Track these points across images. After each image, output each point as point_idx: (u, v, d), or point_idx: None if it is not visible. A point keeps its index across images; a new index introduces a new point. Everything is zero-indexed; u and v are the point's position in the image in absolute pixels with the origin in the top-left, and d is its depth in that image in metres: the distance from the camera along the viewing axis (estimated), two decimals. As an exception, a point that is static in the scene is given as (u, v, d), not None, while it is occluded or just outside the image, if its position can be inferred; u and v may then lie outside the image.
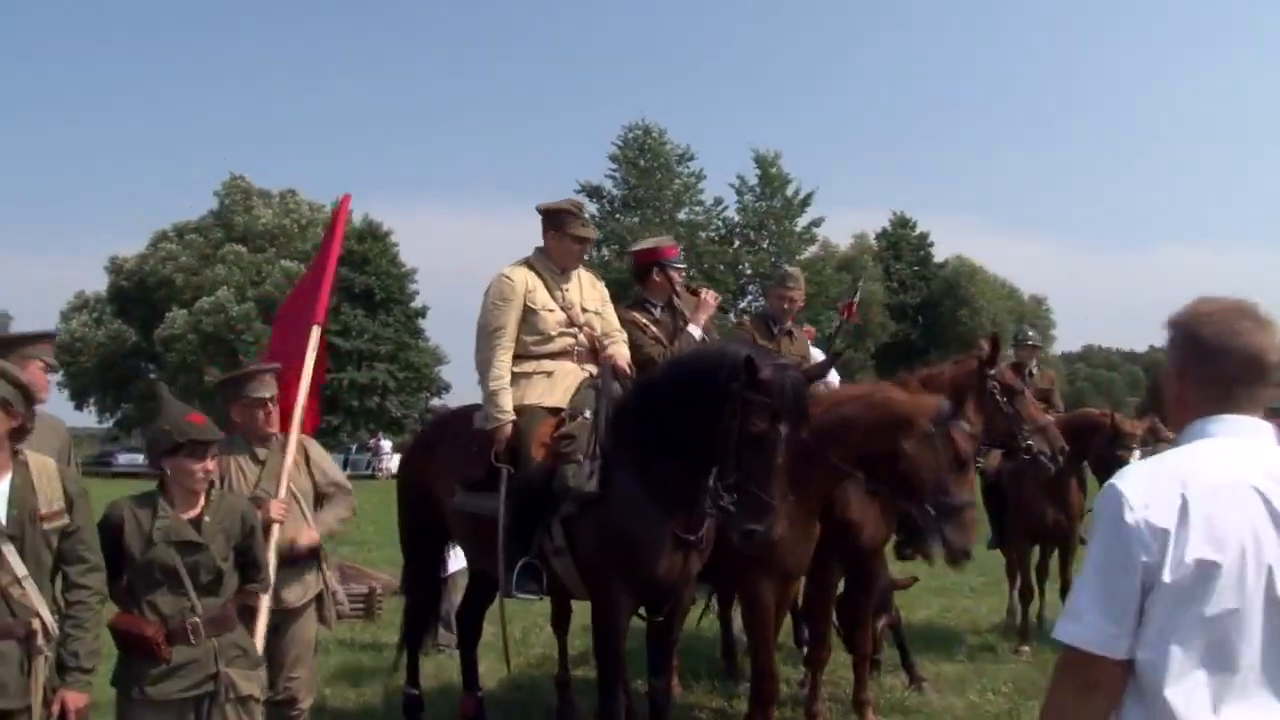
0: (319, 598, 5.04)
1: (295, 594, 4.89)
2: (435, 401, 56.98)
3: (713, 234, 53.20)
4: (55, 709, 3.64)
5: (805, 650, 7.72)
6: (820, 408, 5.31)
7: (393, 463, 42.37)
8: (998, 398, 6.28)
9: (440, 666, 7.86)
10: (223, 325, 47.87)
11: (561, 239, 5.70)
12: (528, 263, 5.75)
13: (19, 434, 3.66)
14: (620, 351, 5.69)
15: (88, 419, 57.00)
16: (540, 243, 5.83)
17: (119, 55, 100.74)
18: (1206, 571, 1.95)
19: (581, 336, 5.66)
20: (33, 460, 3.72)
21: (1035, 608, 8.98)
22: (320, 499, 5.07)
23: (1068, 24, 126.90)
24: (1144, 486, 2.03)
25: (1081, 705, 2.05)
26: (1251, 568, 1.96)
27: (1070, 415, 8.92)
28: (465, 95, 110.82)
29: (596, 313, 5.77)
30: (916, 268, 58.44)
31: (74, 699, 3.67)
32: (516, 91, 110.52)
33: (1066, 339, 71.49)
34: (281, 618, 4.83)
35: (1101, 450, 8.08)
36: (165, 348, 48.82)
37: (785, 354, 5.89)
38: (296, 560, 4.88)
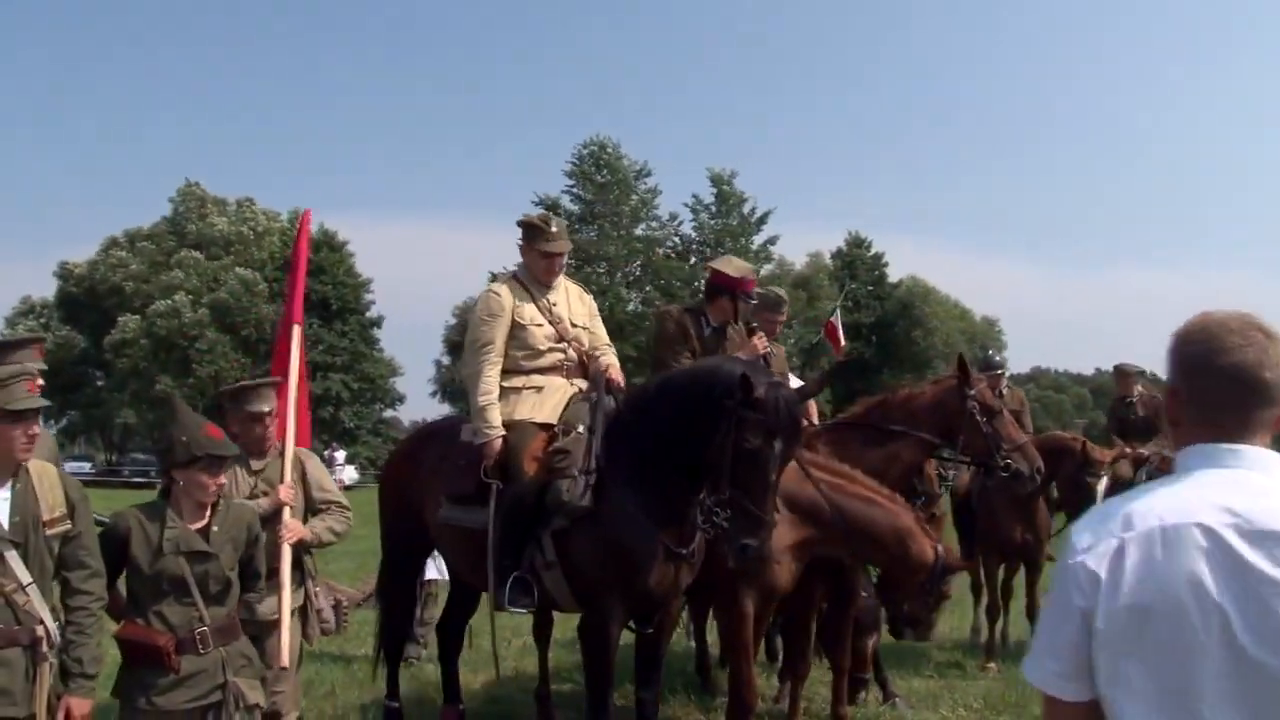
0: (303, 611, 5.01)
1: (271, 606, 4.85)
2: (389, 413, 56.78)
3: (669, 249, 53.40)
4: (60, 716, 3.63)
5: (778, 664, 7.81)
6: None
7: (346, 474, 42.06)
8: (977, 417, 6.38)
9: (412, 678, 7.84)
10: (175, 331, 47.36)
11: (530, 253, 5.73)
12: (514, 278, 5.79)
13: (32, 442, 3.65)
14: (612, 363, 5.72)
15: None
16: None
17: (72, 59, 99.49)
18: (1141, 618, 1.84)
19: (571, 351, 5.69)
20: (33, 466, 3.71)
21: (1000, 625, 9.10)
22: (315, 514, 5.05)
23: (1015, 50, 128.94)
24: (1090, 530, 1.95)
25: None
26: (1196, 613, 1.81)
27: (1042, 438, 9.06)
28: (423, 107, 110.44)
29: (585, 327, 5.81)
30: (871, 287, 58.97)
31: (79, 705, 3.67)
32: (474, 104, 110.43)
33: (1016, 361, 72.38)
34: (258, 629, 4.79)
35: (1070, 474, 8.21)
36: (116, 354, 48.17)
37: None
38: (272, 574, 4.84)
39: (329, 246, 52.46)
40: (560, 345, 5.66)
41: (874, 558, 5.97)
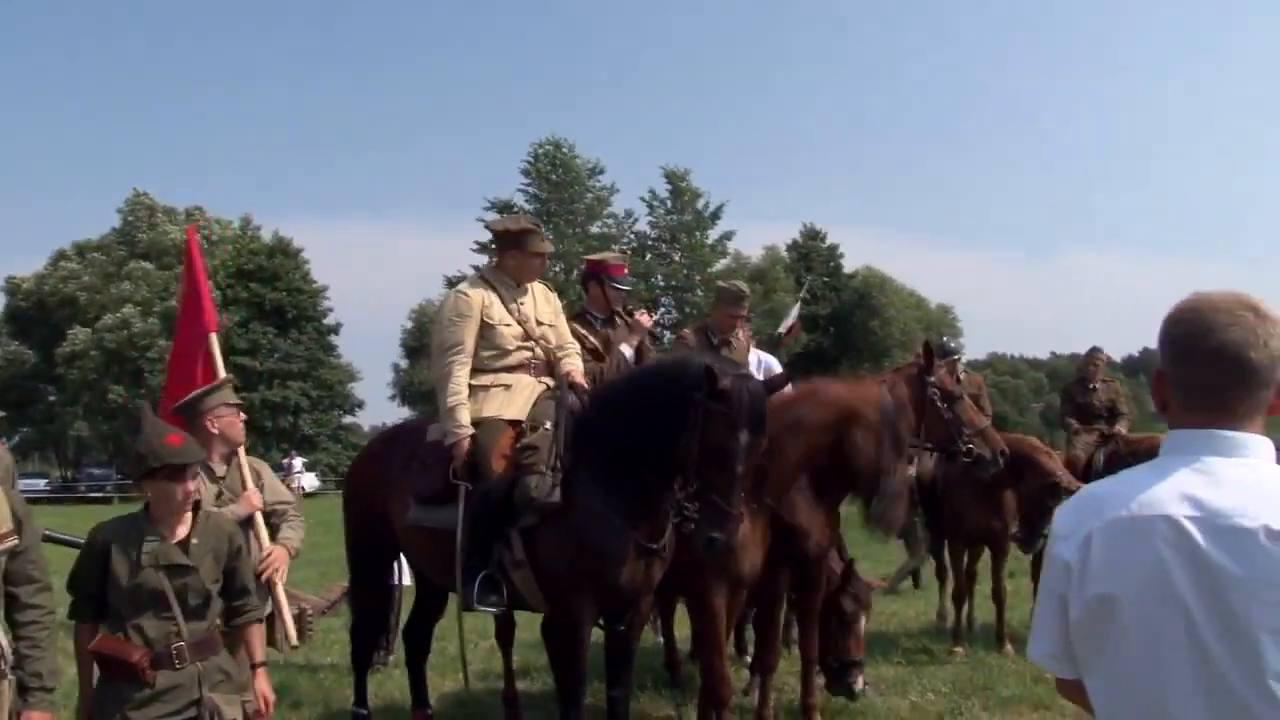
0: (270, 619, 4.95)
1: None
2: (348, 419, 56.40)
3: (625, 246, 53.52)
4: None
5: (747, 657, 7.81)
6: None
7: (305, 481, 41.73)
8: (938, 404, 6.41)
9: (379, 684, 7.77)
10: (126, 342, 46.85)
11: (525, 257, 5.71)
12: (482, 278, 5.77)
13: None
14: (575, 364, 5.72)
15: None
16: (488, 259, 5.92)
17: (15, 68, 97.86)
18: (1106, 609, 1.82)
19: (538, 350, 5.66)
20: None
21: (965, 610, 9.14)
22: (268, 518, 5.00)
23: (969, 36, 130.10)
24: (1069, 518, 1.95)
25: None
26: (1157, 606, 1.78)
27: (1012, 441, 8.85)
28: (374, 111, 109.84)
29: (551, 325, 5.79)
30: (827, 279, 59.26)
31: (40, 719, 3.62)
32: (425, 107, 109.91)
33: (973, 348, 73.01)
34: (229, 639, 4.74)
35: (1034, 493, 8.04)
36: (67, 366, 47.55)
37: None
38: None
39: (283, 253, 52.09)
40: (528, 344, 5.64)
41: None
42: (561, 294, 6.17)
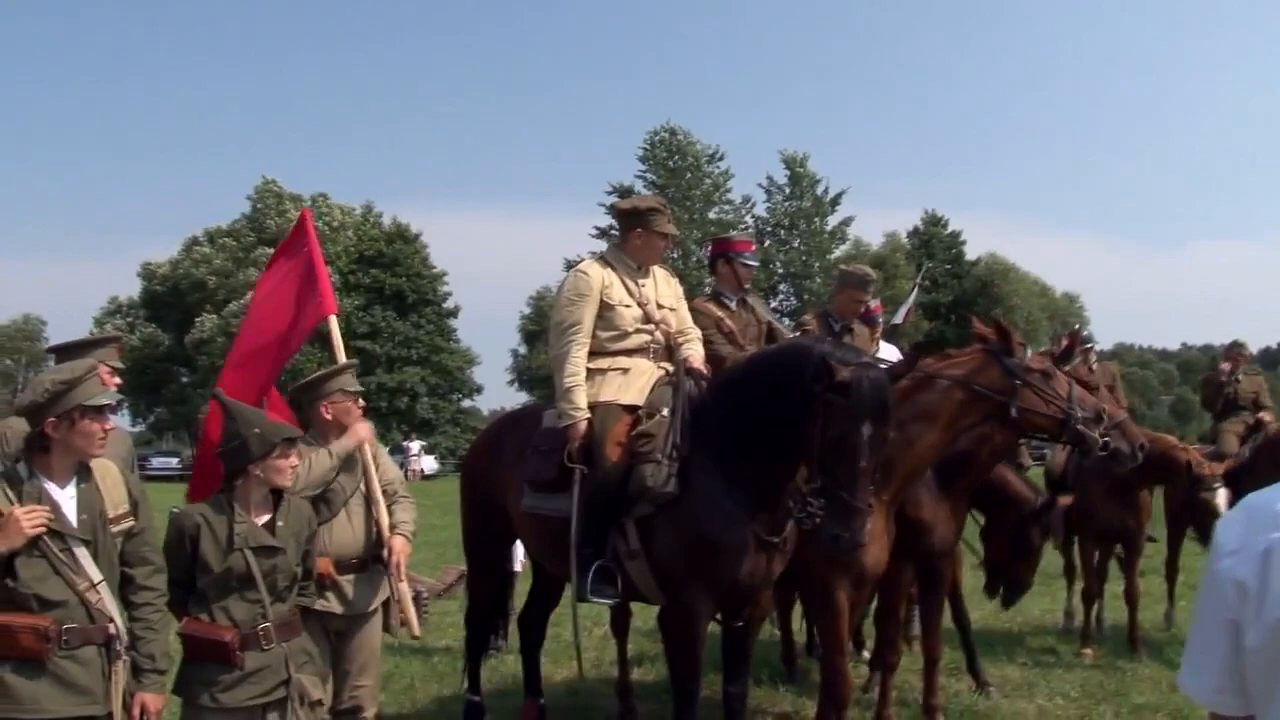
0: (385, 604, 4.95)
1: (365, 599, 4.81)
2: (467, 403, 57.25)
3: (743, 232, 53.23)
4: (136, 712, 3.61)
5: (865, 653, 7.61)
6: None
7: (423, 464, 42.51)
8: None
9: (492, 670, 7.77)
10: (252, 327, 48.22)
11: (650, 236, 5.57)
12: (603, 259, 5.65)
13: (107, 436, 3.63)
14: (696, 350, 5.57)
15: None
16: (607, 245, 5.75)
17: (149, 61, 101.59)
18: None
19: (658, 334, 5.53)
20: (95, 464, 3.67)
21: (1095, 610, 8.77)
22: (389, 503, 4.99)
23: (1092, 19, 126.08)
24: (1236, 529, 1.72)
25: None
26: None
27: (1156, 445, 8.40)
28: (493, 98, 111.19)
29: (672, 309, 5.66)
30: (949, 266, 58.05)
31: (153, 700, 3.67)
32: (544, 94, 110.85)
33: (1100, 337, 70.59)
34: (349, 623, 4.75)
35: (1182, 493, 7.66)
36: (196, 351, 49.16)
37: None
38: (365, 565, 4.81)
39: (402, 239, 53.03)
40: (647, 327, 5.51)
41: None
42: (681, 280, 6.02)
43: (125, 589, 3.68)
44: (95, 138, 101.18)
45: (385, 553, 4.81)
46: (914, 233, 60.10)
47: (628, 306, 5.49)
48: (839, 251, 53.65)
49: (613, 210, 5.92)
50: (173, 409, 55.25)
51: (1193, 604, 1.82)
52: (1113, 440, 6.04)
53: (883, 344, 7.58)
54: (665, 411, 5.08)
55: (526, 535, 5.75)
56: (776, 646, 7.88)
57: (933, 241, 59.02)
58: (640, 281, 5.59)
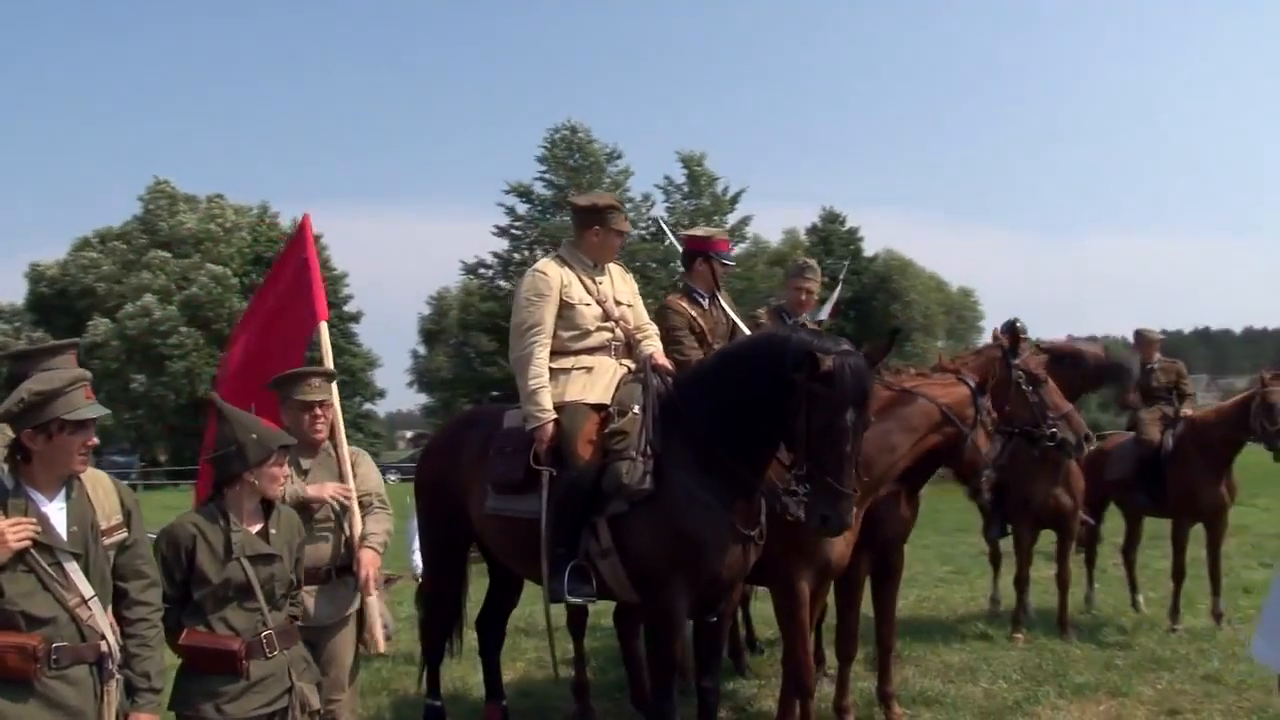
0: (358, 615, 4.85)
1: (328, 612, 4.70)
2: (367, 407, 56.45)
3: (643, 231, 53.40)
4: None
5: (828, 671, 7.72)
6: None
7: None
8: (1023, 387, 6.31)
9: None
10: (146, 331, 46.97)
11: (607, 233, 5.58)
12: (559, 257, 5.62)
13: (89, 452, 3.47)
14: (656, 346, 5.59)
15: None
16: (573, 237, 5.76)
17: (36, 57, 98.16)
18: None
19: (618, 331, 5.54)
20: (86, 474, 3.51)
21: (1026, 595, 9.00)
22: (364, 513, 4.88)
23: (990, 17, 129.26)
24: None
25: None
26: None
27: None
28: (390, 100, 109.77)
29: (629, 305, 5.67)
30: (847, 262, 58.98)
31: None
32: (441, 96, 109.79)
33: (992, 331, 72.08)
34: (316, 635, 4.64)
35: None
36: (89, 356, 47.66)
37: None
38: (330, 577, 4.72)
39: (302, 240, 52.03)
40: (607, 324, 5.51)
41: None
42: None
43: (118, 604, 3.53)
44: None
45: (355, 565, 4.73)
46: (812, 229, 60.91)
47: (587, 305, 5.48)
48: (738, 250, 54.13)
49: (570, 207, 5.90)
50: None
51: (1272, 579, 1.89)
52: (1059, 430, 6.26)
53: None
54: (636, 409, 5.08)
55: (491, 537, 5.69)
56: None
57: (831, 238, 59.82)
58: (598, 279, 5.59)
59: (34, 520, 3.29)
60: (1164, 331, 10.48)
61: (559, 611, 6.24)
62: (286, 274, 5.78)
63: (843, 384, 4.53)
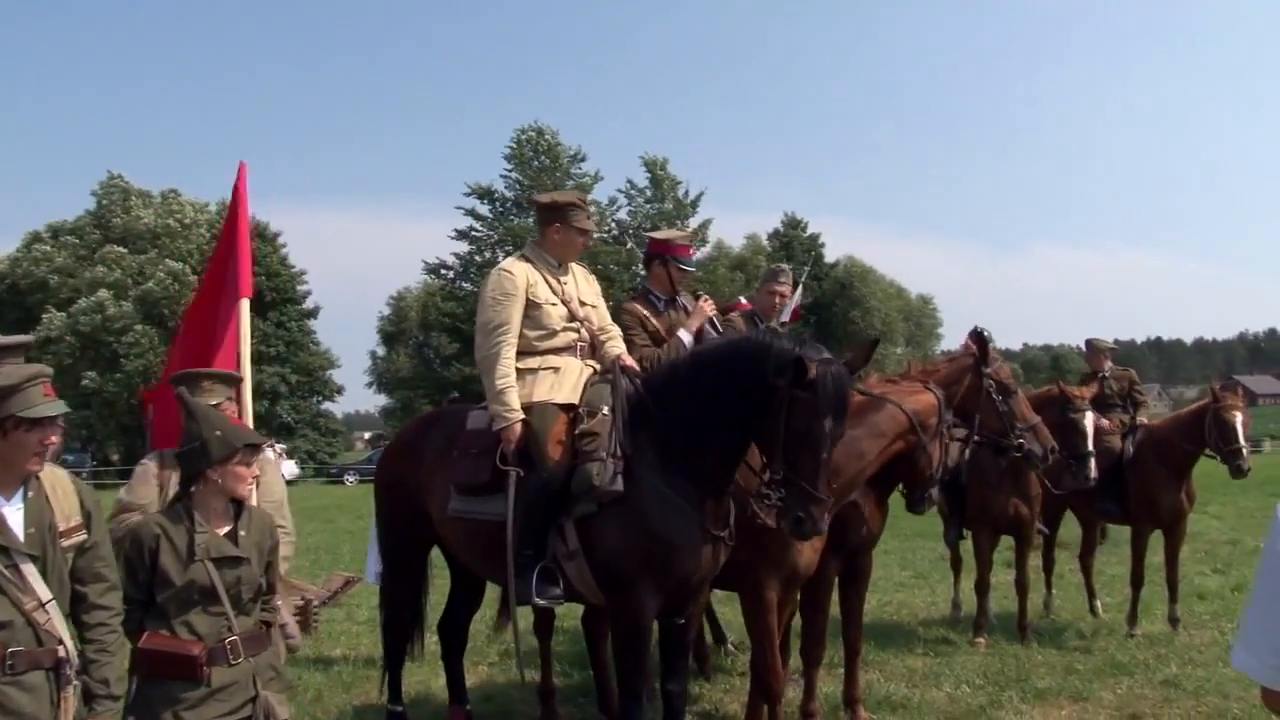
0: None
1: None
2: (325, 405, 56.00)
3: (606, 234, 53.42)
4: None
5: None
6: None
7: (285, 468, 41.36)
8: (993, 396, 6.33)
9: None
10: (100, 327, 46.33)
11: (568, 231, 5.53)
12: (524, 256, 5.57)
13: (46, 451, 3.36)
14: (621, 347, 5.56)
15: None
16: (536, 235, 5.71)
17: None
18: None
19: (583, 331, 5.50)
20: (45, 473, 3.40)
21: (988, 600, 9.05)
22: None
23: (944, 30, 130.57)
24: None
25: None
26: None
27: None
28: (355, 98, 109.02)
29: (593, 306, 5.63)
30: (809, 268, 59.29)
31: None
32: (407, 93, 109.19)
33: (952, 338, 73.01)
34: None
35: (1056, 419, 8.19)
36: (42, 351, 46.95)
37: None
38: None
39: (261, 237, 51.64)
40: (573, 325, 5.47)
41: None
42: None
43: (77, 608, 3.41)
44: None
45: None
46: (774, 235, 61.25)
47: (553, 304, 5.43)
48: (700, 254, 54.32)
49: (533, 204, 5.86)
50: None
51: (1251, 589, 1.89)
52: (1026, 442, 6.30)
53: None
54: (605, 409, 5.04)
55: (454, 540, 5.61)
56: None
57: (793, 244, 60.20)
58: (562, 279, 5.55)
59: None
60: (1117, 341, 10.60)
61: (524, 613, 6.20)
62: (224, 240, 5.71)
63: (825, 391, 4.54)
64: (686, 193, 54.34)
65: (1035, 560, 9.39)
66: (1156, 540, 9.10)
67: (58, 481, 3.44)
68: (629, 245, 53.41)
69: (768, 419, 4.63)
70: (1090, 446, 8.20)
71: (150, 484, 4.75)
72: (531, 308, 5.37)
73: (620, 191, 54.47)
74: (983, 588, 8.84)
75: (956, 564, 10.04)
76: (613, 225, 54.25)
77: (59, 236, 50.63)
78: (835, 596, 6.33)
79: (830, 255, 62.00)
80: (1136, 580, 8.95)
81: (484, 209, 52.37)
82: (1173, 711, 6.49)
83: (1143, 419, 9.32)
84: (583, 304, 5.57)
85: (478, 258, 52.09)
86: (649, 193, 54.34)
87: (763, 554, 5.32)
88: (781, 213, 62.94)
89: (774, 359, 4.64)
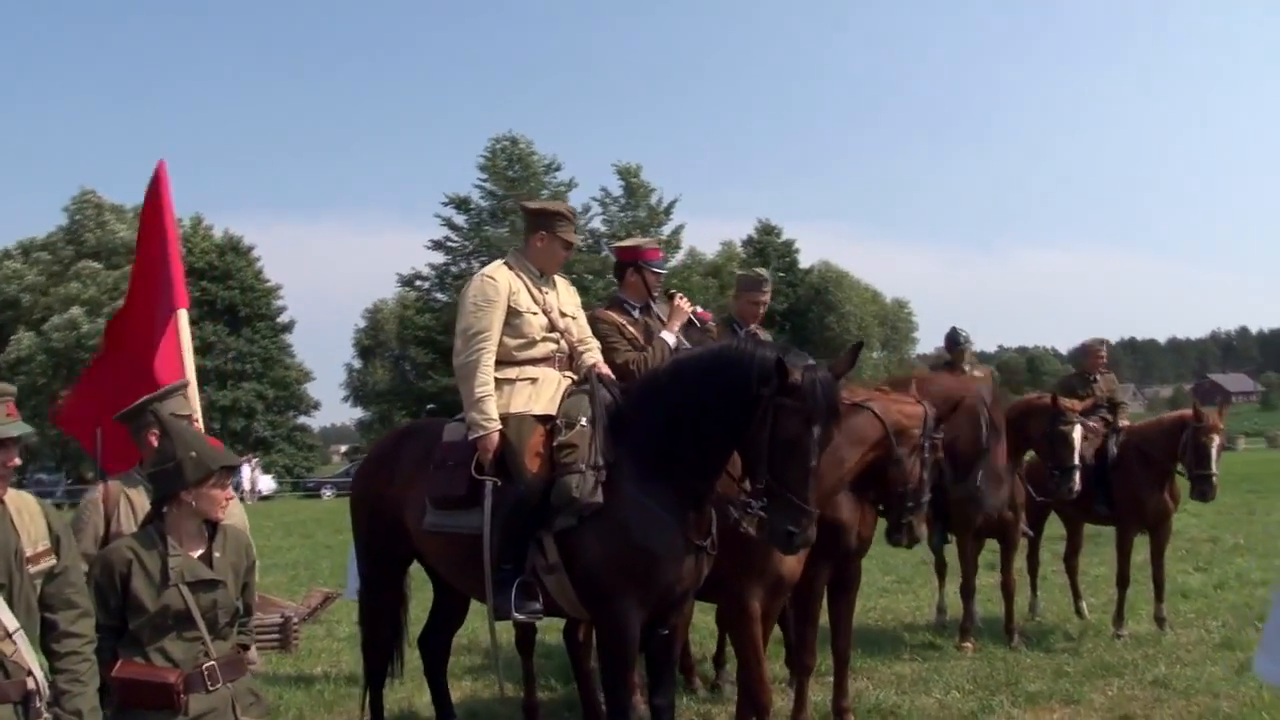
0: None
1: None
2: (301, 419, 55.69)
3: (580, 243, 53.38)
4: None
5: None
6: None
7: (262, 484, 41.14)
8: (981, 432, 6.37)
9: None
10: (74, 344, 45.87)
11: (552, 241, 5.45)
12: (507, 264, 5.47)
13: (9, 473, 3.24)
14: (598, 358, 5.48)
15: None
16: (521, 244, 5.64)
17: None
18: None
19: (563, 343, 5.41)
20: (9, 497, 3.28)
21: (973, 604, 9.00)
22: None
23: (917, 37, 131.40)
24: None
25: None
26: None
27: (1015, 403, 9.03)
28: (329, 111, 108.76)
29: (573, 318, 5.54)
30: (783, 274, 59.38)
31: None
32: (380, 106, 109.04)
33: (926, 342, 73.25)
34: None
35: (1045, 429, 8.18)
36: (14, 371, 46.47)
37: None
38: None
39: (234, 251, 51.39)
40: (553, 335, 5.37)
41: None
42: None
43: (47, 636, 3.28)
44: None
45: None
46: (749, 241, 61.31)
47: (534, 314, 5.34)
48: (674, 261, 54.31)
49: (520, 209, 5.78)
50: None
51: (1272, 598, 1.83)
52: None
53: None
54: (584, 420, 4.95)
55: (432, 554, 5.50)
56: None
57: (767, 250, 60.27)
58: (544, 289, 5.46)
59: None
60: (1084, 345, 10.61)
61: (505, 628, 6.11)
62: (144, 247, 5.55)
63: (812, 398, 4.47)
64: (660, 199, 54.39)
65: (1019, 563, 9.36)
66: (1138, 541, 9.09)
67: (24, 505, 3.32)
68: (603, 253, 53.39)
69: (751, 427, 4.55)
70: (1076, 460, 8.23)
71: (94, 527, 4.47)
72: (512, 316, 5.27)
73: (594, 199, 54.47)
74: (968, 591, 8.79)
75: (941, 568, 9.99)
76: (587, 234, 54.19)
77: (30, 254, 50.17)
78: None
79: (805, 261, 62.14)
80: (1122, 580, 8.94)
81: (460, 219, 52.26)
82: (1164, 712, 6.46)
83: (1124, 421, 9.34)
84: (563, 314, 5.49)
85: (453, 269, 51.91)
86: (623, 200, 54.31)
87: (745, 564, 5.25)
88: (755, 219, 62.99)
89: (757, 366, 4.56)
